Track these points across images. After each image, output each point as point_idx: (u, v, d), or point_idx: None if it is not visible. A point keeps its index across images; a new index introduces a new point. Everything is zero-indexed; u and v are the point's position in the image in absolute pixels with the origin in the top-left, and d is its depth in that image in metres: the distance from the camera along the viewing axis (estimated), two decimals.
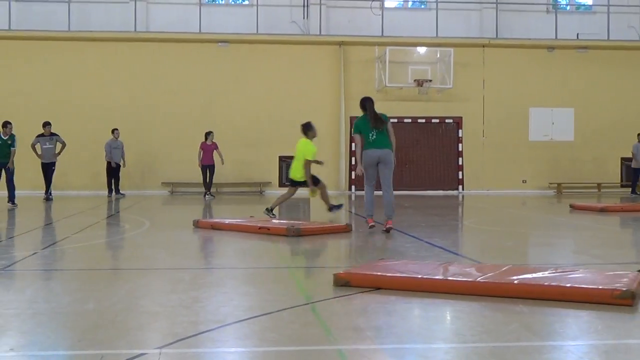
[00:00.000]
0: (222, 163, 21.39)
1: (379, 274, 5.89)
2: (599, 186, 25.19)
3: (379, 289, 5.69)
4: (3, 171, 16.79)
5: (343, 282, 5.79)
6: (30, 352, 4.02)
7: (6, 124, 17.05)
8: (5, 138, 16.90)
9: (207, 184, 21.38)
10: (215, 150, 21.30)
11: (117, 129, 21.79)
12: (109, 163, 21.56)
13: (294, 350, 4.03)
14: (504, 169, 25.08)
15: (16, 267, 7.20)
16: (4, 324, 4.65)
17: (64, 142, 20.01)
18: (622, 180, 25.56)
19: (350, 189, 24.42)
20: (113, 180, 21.68)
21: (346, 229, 10.47)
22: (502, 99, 24.88)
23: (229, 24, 24.76)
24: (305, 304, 5.21)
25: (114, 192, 21.55)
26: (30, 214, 15.28)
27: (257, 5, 24.56)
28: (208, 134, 21.37)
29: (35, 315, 4.89)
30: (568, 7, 27.54)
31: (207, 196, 21.01)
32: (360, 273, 5.94)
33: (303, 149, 13.38)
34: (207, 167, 21.40)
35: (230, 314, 4.93)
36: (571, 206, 15.53)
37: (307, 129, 13.71)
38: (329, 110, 24.42)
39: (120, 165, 21.80)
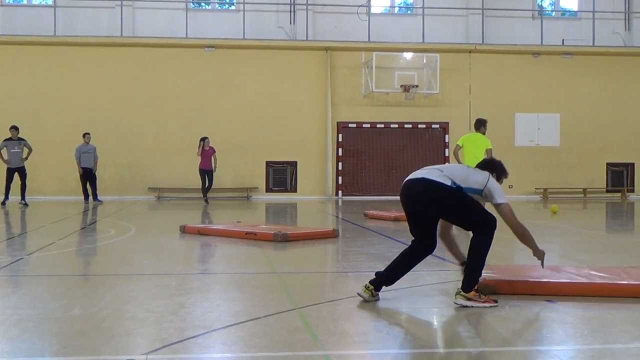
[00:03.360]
0: (214, 170, 21.19)
1: (529, 280, 5.94)
2: (584, 191, 25.32)
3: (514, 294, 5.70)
4: None
5: (490, 290, 5.64)
6: (16, 358, 4.00)
7: None
8: None
9: (206, 189, 21.11)
10: (212, 155, 21.05)
11: (88, 133, 21.27)
12: (82, 169, 21.03)
13: (281, 356, 4.03)
14: None
15: (1, 273, 7.16)
16: None
17: (30, 147, 19.64)
18: (607, 186, 25.71)
19: (337, 194, 24.43)
20: (89, 186, 21.14)
21: (333, 235, 10.48)
22: (488, 105, 24.94)
23: (216, 29, 24.76)
24: (292, 310, 5.21)
25: (90, 198, 21.04)
26: (13, 220, 15.20)
27: (244, 11, 24.57)
28: (203, 140, 21.11)
29: (21, 321, 4.86)
30: (553, 13, 27.69)
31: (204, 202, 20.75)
32: (507, 280, 5.88)
33: (482, 141, 13.54)
34: (205, 172, 21.07)
35: (217, 319, 4.92)
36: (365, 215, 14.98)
37: (481, 124, 13.91)
38: (315, 115, 24.44)
39: (92, 170, 21.13)
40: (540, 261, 5.67)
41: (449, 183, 5.40)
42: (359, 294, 5.53)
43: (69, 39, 23.64)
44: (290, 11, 25.11)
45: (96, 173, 21.28)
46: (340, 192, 24.44)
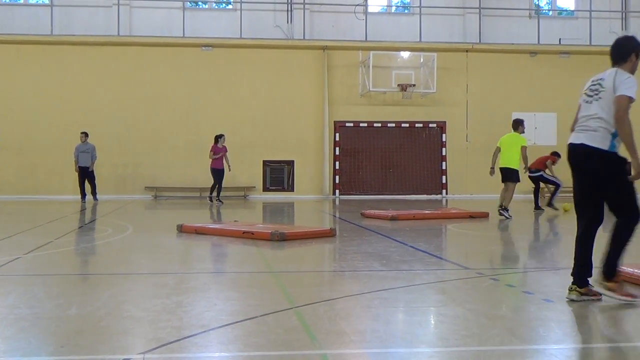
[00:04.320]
0: (229, 170, 20.52)
1: None
2: None
3: None
4: None
5: None
6: (13, 357, 3.99)
7: None
8: None
9: (217, 189, 20.33)
10: (224, 154, 20.34)
11: (84, 133, 21.27)
12: (79, 168, 21.01)
13: (278, 355, 4.03)
14: (487, 173, 25.07)
15: None
16: None
17: None
18: None
19: (334, 193, 24.42)
20: (87, 185, 21.03)
21: (330, 234, 10.47)
22: (485, 104, 24.98)
23: (213, 28, 24.74)
24: (290, 309, 5.21)
25: (87, 197, 20.93)
26: (9, 219, 15.18)
27: (241, 10, 24.55)
28: (219, 137, 20.38)
29: (18, 320, 4.86)
30: (550, 13, 27.72)
31: (216, 202, 20.06)
32: None
33: (515, 140, 14.58)
34: (218, 171, 20.34)
35: (214, 318, 4.92)
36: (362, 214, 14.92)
37: (519, 124, 15.08)
38: (312, 114, 24.43)
39: (89, 169, 21.02)
40: (634, 174, 5.48)
41: (606, 147, 5.44)
42: (568, 298, 5.44)
43: (66, 38, 23.59)
44: (288, 10, 25.09)
45: (94, 172, 21.14)
46: (337, 191, 24.44)
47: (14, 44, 23.38)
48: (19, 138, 22.83)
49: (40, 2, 25.30)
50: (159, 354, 4.00)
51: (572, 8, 27.35)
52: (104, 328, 4.65)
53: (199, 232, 10.88)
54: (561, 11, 27.88)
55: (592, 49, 25.33)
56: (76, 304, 5.40)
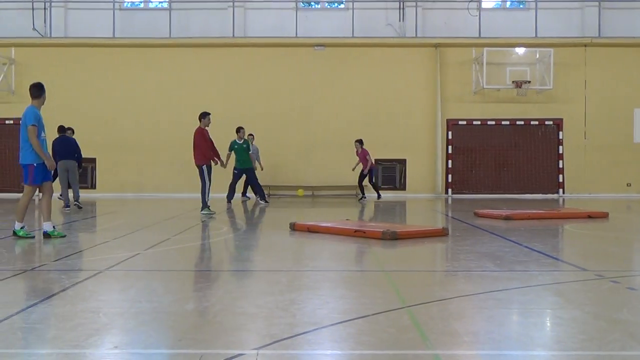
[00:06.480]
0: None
1: None
2: None
3: None
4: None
5: None
6: (133, 349, 4.15)
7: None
8: (240, 142, 19.44)
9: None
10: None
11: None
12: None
13: (389, 354, 4.02)
14: (607, 171, 24.31)
15: (120, 268, 7.43)
16: (109, 322, 4.81)
17: None
18: None
19: (446, 192, 24.16)
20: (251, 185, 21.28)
21: (443, 233, 10.37)
22: (605, 100, 24.15)
23: (325, 28, 24.92)
24: (402, 308, 5.19)
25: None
26: (132, 216, 15.74)
27: (353, 9, 24.62)
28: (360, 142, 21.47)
29: (138, 314, 5.04)
30: None
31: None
32: None
33: None
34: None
35: (327, 316, 4.96)
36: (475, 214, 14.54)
37: None
38: (424, 112, 24.27)
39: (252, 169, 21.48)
40: None
41: None
42: None
43: (183, 41, 24.32)
44: (400, 8, 25.00)
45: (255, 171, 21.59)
46: (450, 190, 24.18)
47: (135, 47, 24.25)
48: (108, 140, 23.62)
49: (159, 6, 26.14)
50: (273, 350, 4.06)
51: None
52: (219, 323, 4.76)
53: (312, 230, 10.97)
54: None
55: None
56: (193, 299, 5.56)
